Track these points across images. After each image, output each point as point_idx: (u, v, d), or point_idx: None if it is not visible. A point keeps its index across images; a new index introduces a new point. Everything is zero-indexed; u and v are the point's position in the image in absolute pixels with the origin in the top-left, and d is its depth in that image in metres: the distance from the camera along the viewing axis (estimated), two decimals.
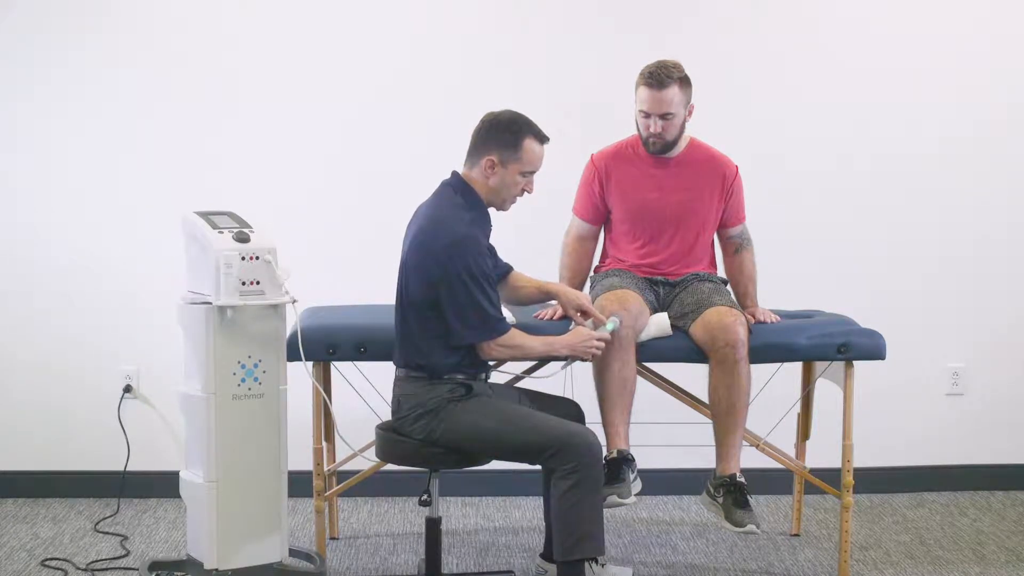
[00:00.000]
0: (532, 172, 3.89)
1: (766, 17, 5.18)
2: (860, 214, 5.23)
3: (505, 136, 3.85)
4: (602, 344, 3.95)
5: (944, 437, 5.32)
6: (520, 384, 4.27)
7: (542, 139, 3.88)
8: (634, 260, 4.36)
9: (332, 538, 4.66)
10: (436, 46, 5.11)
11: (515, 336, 3.89)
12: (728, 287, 4.41)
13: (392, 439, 3.91)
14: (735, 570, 4.42)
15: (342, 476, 4.57)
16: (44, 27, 5.00)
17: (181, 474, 4.05)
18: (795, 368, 4.55)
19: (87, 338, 5.09)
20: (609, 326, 3.98)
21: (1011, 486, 5.32)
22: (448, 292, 3.77)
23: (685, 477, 5.05)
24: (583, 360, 4.00)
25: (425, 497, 3.90)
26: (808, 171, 5.20)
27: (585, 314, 4.03)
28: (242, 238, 3.88)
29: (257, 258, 3.87)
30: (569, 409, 4.05)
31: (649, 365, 4.26)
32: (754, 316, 4.29)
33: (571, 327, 4.11)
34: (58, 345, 5.09)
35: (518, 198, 3.93)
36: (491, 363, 4.03)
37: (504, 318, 3.87)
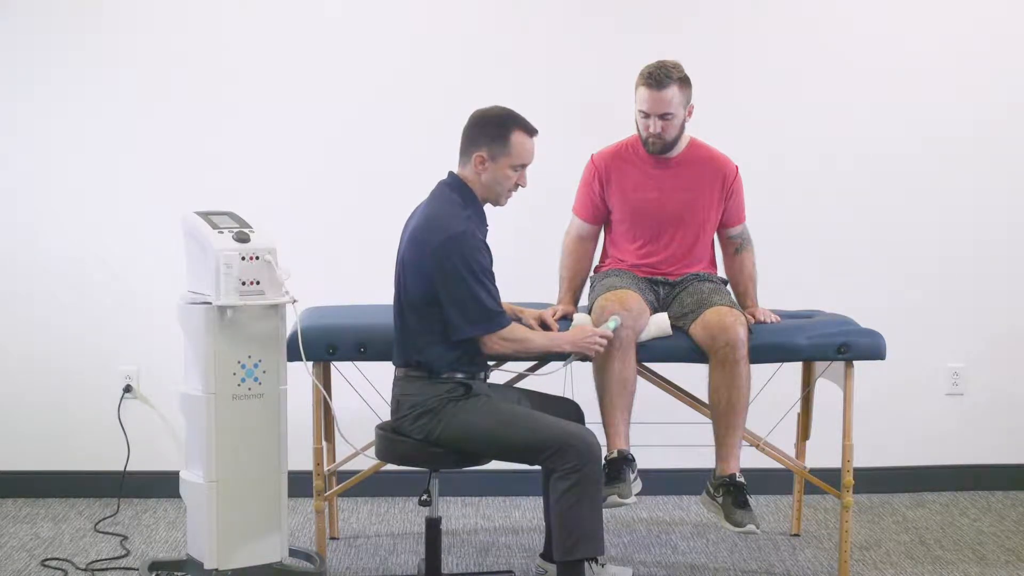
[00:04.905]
0: (523, 165, 3.87)
1: (766, 17, 5.18)
2: (860, 214, 5.23)
3: (493, 131, 3.84)
4: (604, 341, 3.95)
5: (944, 437, 5.32)
6: (520, 384, 4.27)
7: (531, 132, 3.86)
8: (634, 260, 4.36)
9: (332, 538, 4.66)
10: (436, 46, 5.11)
11: (517, 330, 3.89)
12: (728, 287, 4.41)
13: (392, 439, 3.91)
14: (735, 570, 4.42)
15: (342, 476, 4.57)
16: (44, 27, 5.00)
17: (181, 474, 4.04)
18: (795, 368, 4.55)
19: (87, 338, 5.09)
20: (611, 324, 3.98)
21: (1011, 486, 5.32)
22: (447, 287, 3.76)
23: (685, 477, 5.05)
24: (585, 358, 4.00)
25: (425, 497, 3.90)
26: (808, 171, 5.20)
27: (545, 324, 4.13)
28: (242, 238, 3.87)
29: (257, 258, 3.87)
30: (569, 409, 4.05)
31: (649, 365, 4.26)
32: (754, 316, 4.29)
33: (571, 327, 4.11)
34: (58, 345, 5.09)
35: (513, 192, 3.92)
36: (491, 362, 4.03)
37: (504, 312, 3.86)
